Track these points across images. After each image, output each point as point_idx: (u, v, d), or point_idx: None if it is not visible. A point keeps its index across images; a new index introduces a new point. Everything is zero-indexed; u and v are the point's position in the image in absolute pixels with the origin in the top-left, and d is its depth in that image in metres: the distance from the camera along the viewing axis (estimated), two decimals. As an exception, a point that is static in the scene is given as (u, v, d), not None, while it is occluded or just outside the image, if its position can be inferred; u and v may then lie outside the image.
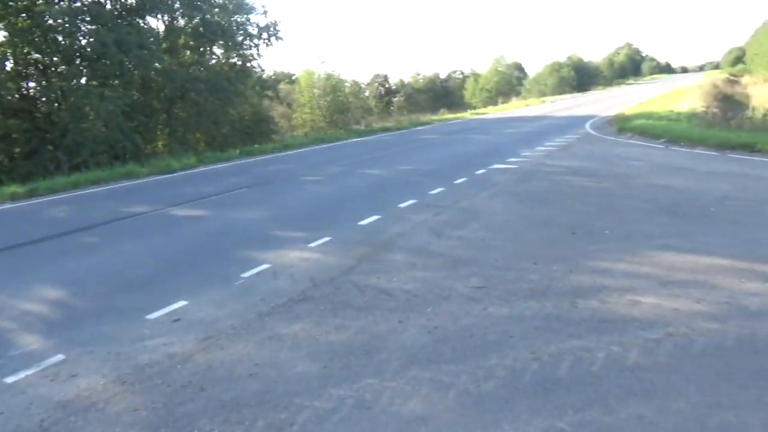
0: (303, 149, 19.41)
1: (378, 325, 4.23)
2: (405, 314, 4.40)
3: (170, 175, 14.03)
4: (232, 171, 14.42)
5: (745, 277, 4.77)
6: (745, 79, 55.39)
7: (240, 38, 24.94)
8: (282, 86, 36.59)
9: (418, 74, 64.35)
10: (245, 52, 25.43)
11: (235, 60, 25.37)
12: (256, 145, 20.09)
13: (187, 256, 6.56)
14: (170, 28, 23.43)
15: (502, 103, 51.71)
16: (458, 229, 6.92)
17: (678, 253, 5.50)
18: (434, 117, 34.00)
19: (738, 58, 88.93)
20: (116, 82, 19.56)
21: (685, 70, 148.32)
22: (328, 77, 30.66)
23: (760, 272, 4.86)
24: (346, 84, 33.29)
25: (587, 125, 21.62)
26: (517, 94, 61.45)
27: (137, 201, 10.39)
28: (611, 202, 7.99)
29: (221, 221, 8.24)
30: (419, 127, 27.01)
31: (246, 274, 5.60)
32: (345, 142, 21.45)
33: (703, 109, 22.00)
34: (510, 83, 66.47)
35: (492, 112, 38.57)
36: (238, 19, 24.65)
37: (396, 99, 55.87)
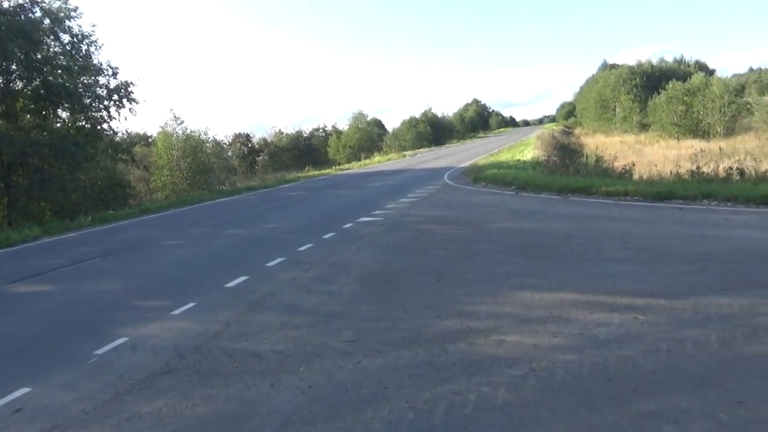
0: (163, 213, 18.46)
1: (249, 391, 4.01)
2: (277, 376, 4.22)
3: (9, 249, 12.60)
4: (83, 240, 13.28)
5: (593, 308, 5.18)
6: (577, 131, 62.22)
7: (88, 101, 23.45)
8: (138, 149, 34.93)
9: (281, 133, 64.61)
10: (95, 114, 23.94)
11: (83, 123, 23.77)
12: (110, 211, 18.75)
13: (30, 337, 5.84)
14: (6, 90, 21.53)
15: (365, 158, 53.30)
16: (328, 283, 6.88)
17: (534, 291, 5.87)
18: (300, 174, 34.17)
19: (570, 112, 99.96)
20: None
21: (527, 124, 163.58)
22: (188, 138, 29.75)
23: (605, 303, 5.31)
24: (207, 144, 32.50)
25: (445, 176, 22.87)
26: (379, 149, 63.71)
27: (-34, 279, 9.17)
28: (472, 247, 8.41)
29: (71, 295, 7.49)
30: (285, 185, 26.93)
31: (100, 351, 5.09)
32: (209, 203, 20.75)
33: (545, 157, 24.23)
34: (371, 139, 68.82)
35: (356, 168, 39.57)
36: (85, 81, 23.26)
37: (260, 158, 55.44)
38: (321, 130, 72.88)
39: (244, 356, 4.68)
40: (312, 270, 7.66)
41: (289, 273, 7.58)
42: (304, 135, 68.46)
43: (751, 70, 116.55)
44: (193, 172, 29.20)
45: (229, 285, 7.15)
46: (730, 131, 35.62)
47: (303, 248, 9.21)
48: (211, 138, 33.86)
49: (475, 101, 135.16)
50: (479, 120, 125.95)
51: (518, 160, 26.66)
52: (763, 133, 31.64)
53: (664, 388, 3.60)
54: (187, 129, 30.06)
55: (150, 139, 40.90)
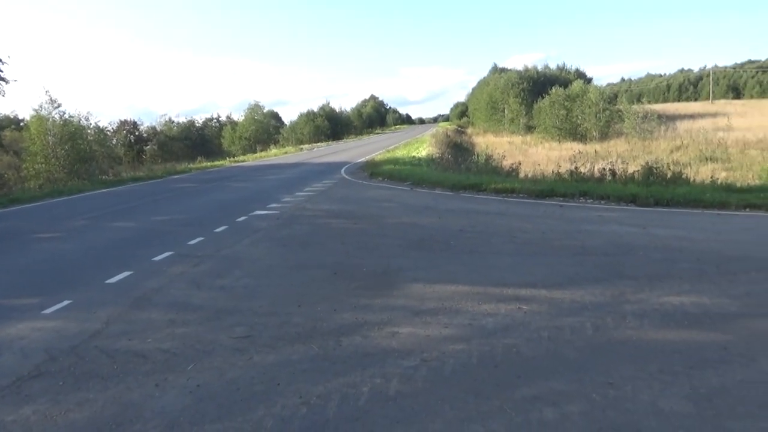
0: (37, 203, 16.99)
1: (131, 393, 3.78)
2: (163, 376, 4.01)
3: None
4: (-63, 232, 11.91)
5: (482, 300, 5.40)
6: (469, 130, 64.63)
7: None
8: (8, 133, 31.85)
9: (172, 121, 61.51)
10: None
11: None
12: (-29, 201, 16.96)
13: None
14: None
15: (261, 151, 52.21)
16: (220, 278, 6.65)
17: (427, 284, 6.02)
18: (192, 165, 32.79)
19: (462, 112, 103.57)
20: None
21: (422, 122, 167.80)
22: (66, 123, 27.50)
23: (492, 294, 5.55)
24: (89, 131, 30.26)
25: (343, 171, 22.91)
26: (276, 142, 62.62)
27: None
28: (368, 240, 8.47)
29: None
30: (175, 176, 25.75)
31: (-44, 356, 4.59)
32: (90, 193, 19.38)
33: (439, 155, 24.95)
34: (268, 131, 67.47)
35: (251, 160, 38.64)
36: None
37: (148, 147, 52.49)
38: (215, 121, 70.39)
39: (126, 356, 4.41)
40: (203, 264, 7.37)
41: (178, 268, 7.24)
42: (197, 125, 65.71)
43: (622, 80, 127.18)
44: (72, 160, 26.99)
45: (110, 281, 6.71)
46: (604, 135, 38.53)
47: (193, 242, 8.84)
48: (93, 124, 31.47)
49: (373, 98, 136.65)
50: (377, 116, 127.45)
51: (413, 156, 27.25)
52: (631, 138, 34.57)
53: (544, 373, 3.82)
54: (65, 113, 27.72)
55: (22, 123, 37.40)
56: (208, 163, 35.16)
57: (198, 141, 60.33)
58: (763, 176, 14.44)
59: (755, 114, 45.87)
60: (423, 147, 34.51)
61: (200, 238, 9.09)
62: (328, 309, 5.30)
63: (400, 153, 31.23)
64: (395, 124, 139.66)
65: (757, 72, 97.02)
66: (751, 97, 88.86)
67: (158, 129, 58.14)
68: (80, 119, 28.96)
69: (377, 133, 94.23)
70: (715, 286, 5.54)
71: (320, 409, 3.42)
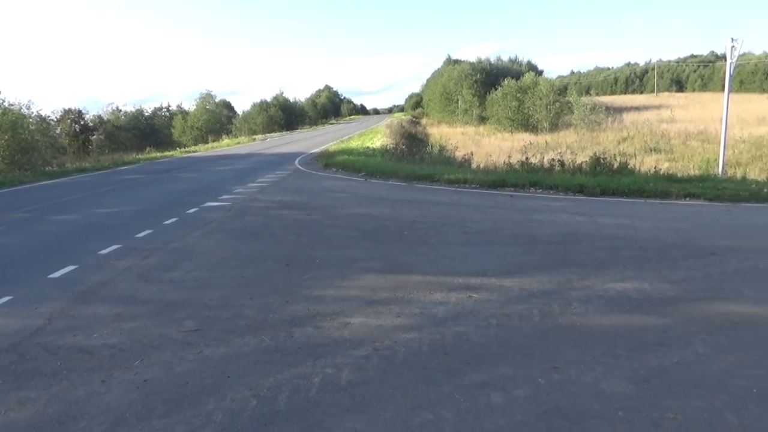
0: (-27, 195, 16.20)
1: (75, 390, 3.68)
2: (109, 372, 3.92)
3: None
4: None
5: (433, 289, 5.47)
6: (424, 121, 64.98)
7: None
8: (-61, 121, 30.15)
9: (119, 110, 59.52)
10: None
11: None
12: None
13: None
14: None
15: (213, 141, 51.16)
16: (169, 271, 6.51)
17: (380, 274, 6.06)
18: (140, 156, 31.87)
19: (417, 102, 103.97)
20: None
21: (377, 112, 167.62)
22: (5, 112, 26.28)
23: (443, 283, 5.63)
24: (30, 120, 28.98)
25: (296, 161, 22.71)
26: (228, 132, 61.45)
27: None
28: (321, 232, 8.45)
29: None
30: (123, 167, 24.98)
31: None
32: (32, 185, 18.60)
33: (393, 145, 25.01)
34: (220, 121, 66.10)
35: (203, 150, 37.85)
36: None
37: (94, 137, 50.67)
38: (165, 110, 68.38)
39: (70, 353, 4.28)
40: (151, 257, 7.21)
41: (125, 261, 7.06)
42: (146, 114, 63.77)
43: (572, 72, 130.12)
44: (12, 150, 25.78)
45: (53, 276, 6.48)
46: (554, 126, 39.38)
47: (141, 235, 8.62)
48: (35, 113, 30.13)
49: (327, 88, 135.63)
50: (331, 106, 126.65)
51: (368, 147, 27.25)
52: (580, 129, 35.47)
53: (493, 359, 3.91)
54: (4, 101, 26.48)
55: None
56: (158, 154, 34.25)
57: (147, 131, 58.63)
58: (702, 166, 15.07)
59: (696, 107, 47.74)
60: (377, 138, 34.52)
61: (149, 231, 8.87)
62: (280, 301, 5.27)
63: (355, 144, 31.17)
64: (350, 115, 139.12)
65: (698, 66, 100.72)
66: (693, 90, 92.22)
67: (105, 118, 56.21)
68: (21, 108, 27.70)
69: (332, 124, 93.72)
70: (655, 273, 5.77)
71: (271, 401, 3.41)
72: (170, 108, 68.90)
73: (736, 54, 13.53)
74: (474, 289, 5.43)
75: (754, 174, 14.45)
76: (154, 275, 6.38)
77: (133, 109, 61.86)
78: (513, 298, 5.13)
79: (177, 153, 35.46)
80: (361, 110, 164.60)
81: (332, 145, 30.84)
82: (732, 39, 13.34)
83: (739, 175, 13.77)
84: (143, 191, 15.27)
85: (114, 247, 7.81)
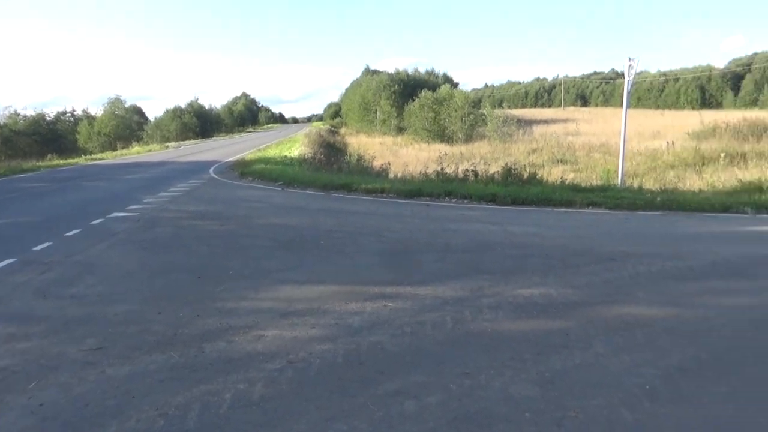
0: None
1: (-42, 420, 3.38)
2: (1, 397, 3.63)
3: None
4: None
5: (349, 299, 5.48)
6: (342, 130, 65.12)
7: None
8: None
9: (18, 114, 55.61)
10: None
11: None
12: None
13: None
14: None
15: (122, 148, 48.82)
16: (70, 286, 6.13)
17: (296, 285, 5.99)
18: (41, 163, 29.92)
19: (336, 112, 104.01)
20: None
21: (296, 121, 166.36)
22: None
23: (359, 293, 5.64)
24: None
25: (211, 170, 22.09)
26: (139, 139, 58.91)
27: None
28: (236, 242, 8.25)
29: None
30: (21, 175, 23.32)
31: None
32: None
33: (312, 154, 24.89)
34: (130, 127, 63.33)
35: (111, 158, 36.07)
36: None
37: (-12, 142, 47.06)
38: (69, 115, 64.63)
39: (-47, 378, 3.93)
40: (50, 272, 6.76)
41: (20, 276, 6.58)
42: (48, 118, 59.99)
43: (486, 86, 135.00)
44: None
45: (-65, 294, 5.94)
46: (469, 138, 40.60)
47: (39, 247, 8.07)
48: None
49: (245, 95, 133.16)
50: (248, 114, 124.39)
51: (286, 156, 26.97)
52: (493, 140, 36.77)
53: (407, 367, 3.96)
54: None
55: None
56: (61, 161, 32.24)
57: (49, 137, 55.17)
58: (604, 177, 15.99)
59: (599, 121, 50.74)
60: (295, 146, 34.25)
61: (48, 243, 8.32)
62: (190, 315, 5.09)
63: (272, 152, 30.77)
64: (268, 123, 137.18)
65: (601, 83, 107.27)
66: (597, 105, 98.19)
67: (1, 122, 52.33)
68: None
69: (249, 132, 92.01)
70: (560, 278, 6.07)
71: (179, 420, 3.28)
72: (75, 113, 65.26)
73: (633, 72, 14.49)
74: (389, 298, 5.48)
75: (650, 184, 15.52)
76: (52, 291, 5.99)
77: (34, 113, 58.07)
78: (427, 306, 5.23)
79: (82, 160, 33.56)
80: (280, 119, 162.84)
81: (249, 154, 30.29)
82: (629, 58, 14.28)
83: (636, 185, 14.74)
84: (43, 201, 14.31)
85: (8, 261, 7.26)
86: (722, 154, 18.80)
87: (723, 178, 15.38)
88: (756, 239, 8.69)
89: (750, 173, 15.64)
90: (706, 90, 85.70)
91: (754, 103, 66.71)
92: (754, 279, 6.15)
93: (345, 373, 3.88)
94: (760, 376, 3.83)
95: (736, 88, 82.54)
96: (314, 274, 6.45)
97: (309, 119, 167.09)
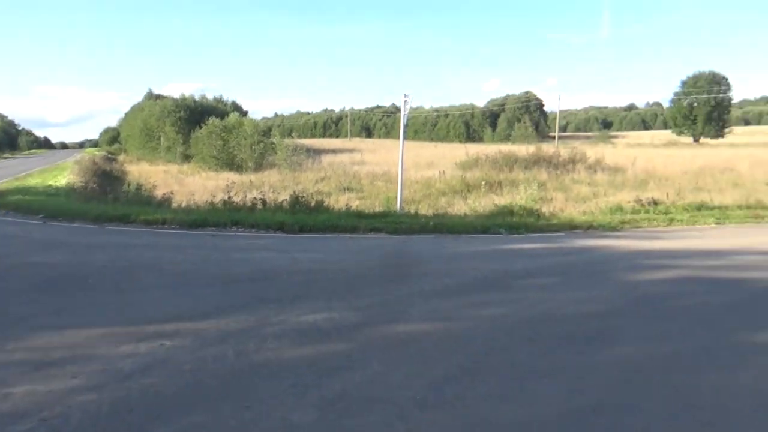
0: None
1: None
2: None
3: None
4: None
5: (121, 341, 5.00)
6: (121, 157, 60.17)
7: None
8: None
9: None
10: None
11: None
12: None
13: None
14: None
15: None
16: None
17: (55, 331, 5.30)
18: None
19: (114, 137, 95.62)
20: None
21: (65, 146, 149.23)
22: None
23: (133, 334, 5.19)
24: None
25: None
26: None
27: None
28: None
29: None
30: None
31: None
32: None
33: (83, 183, 22.49)
34: None
35: None
36: None
37: None
38: None
39: None
40: None
41: None
42: None
43: (276, 115, 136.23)
44: None
45: None
46: (259, 166, 40.32)
47: None
48: None
49: (1, 117, 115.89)
50: (5, 138, 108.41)
51: (50, 185, 24.04)
52: (283, 169, 37.04)
53: (184, 408, 3.73)
54: None
55: None
56: None
57: None
58: (385, 204, 17.04)
59: (382, 151, 54.31)
60: (63, 175, 30.70)
61: None
62: None
63: (34, 181, 27.19)
64: (30, 148, 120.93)
65: (383, 116, 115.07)
66: (380, 136, 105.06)
67: None
68: None
69: (5, 158, 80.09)
70: (343, 302, 6.28)
71: None
72: None
73: (408, 107, 15.80)
74: (167, 336, 5.13)
75: (425, 209, 16.89)
76: None
77: None
78: (208, 340, 5.01)
79: None
80: (45, 144, 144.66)
81: (4, 183, 26.35)
82: (405, 94, 15.55)
83: (413, 210, 15.95)
84: None
85: None
86: (483, 182, 21.28)
87: (483, 203, 17.39)
88: (508, 256, 9.97)
89: (504, 198, 17.95)
90: (470, 125, 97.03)
91: (507, 138, 76.93)
92: (507, 291, 7.05)
93: (110, 423, 3.52)
94: (511, 375, 4.37)
95: (493, 125, 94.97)
96: (79, 316, 5.79)
97: (82, 145, 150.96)
